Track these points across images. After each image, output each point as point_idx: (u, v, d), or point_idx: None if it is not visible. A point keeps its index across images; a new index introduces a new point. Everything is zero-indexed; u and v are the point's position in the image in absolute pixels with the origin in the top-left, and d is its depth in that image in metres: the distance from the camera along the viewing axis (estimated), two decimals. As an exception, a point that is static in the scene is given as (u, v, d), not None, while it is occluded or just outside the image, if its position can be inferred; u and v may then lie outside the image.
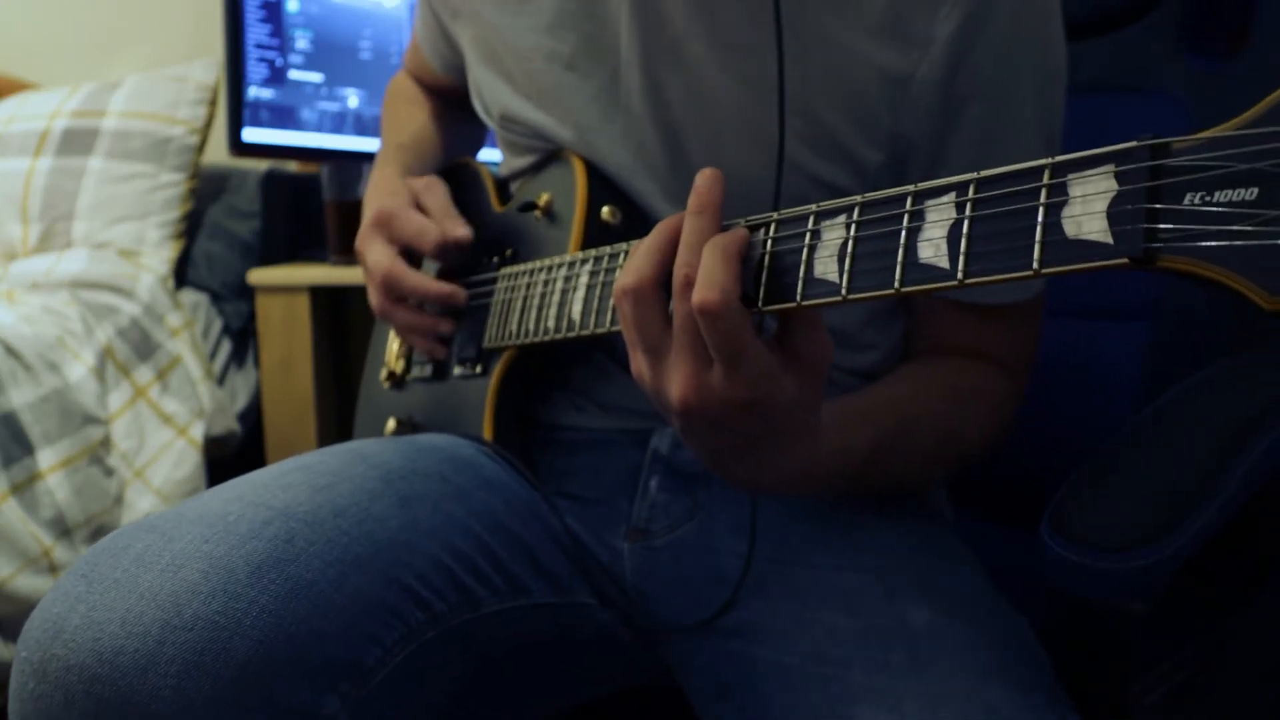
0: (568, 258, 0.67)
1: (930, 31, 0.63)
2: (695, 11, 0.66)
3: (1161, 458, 0.68)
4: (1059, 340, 0.88)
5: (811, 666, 0.62)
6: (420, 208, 0.78)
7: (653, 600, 0.70)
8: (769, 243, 0.49)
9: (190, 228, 1.72)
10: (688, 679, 0.69)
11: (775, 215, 0.49)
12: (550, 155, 0.77)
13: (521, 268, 0.73)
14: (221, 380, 1.66)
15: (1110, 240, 0.37)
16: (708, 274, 0.47)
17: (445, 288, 0.76)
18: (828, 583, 0.66)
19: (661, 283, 0.50)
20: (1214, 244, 0.34)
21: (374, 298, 0.78)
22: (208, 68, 1.72)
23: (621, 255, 0.61)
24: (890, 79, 0.64)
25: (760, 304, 0.49)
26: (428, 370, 0.82)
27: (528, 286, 0.71)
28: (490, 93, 0.79)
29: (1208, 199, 0.34)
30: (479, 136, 1.01)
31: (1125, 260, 0.36)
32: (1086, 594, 0.66)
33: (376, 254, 0.76)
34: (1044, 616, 0.71)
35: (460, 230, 0.75)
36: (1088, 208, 0.38)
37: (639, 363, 0.52)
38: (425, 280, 0.75)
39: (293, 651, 0.48)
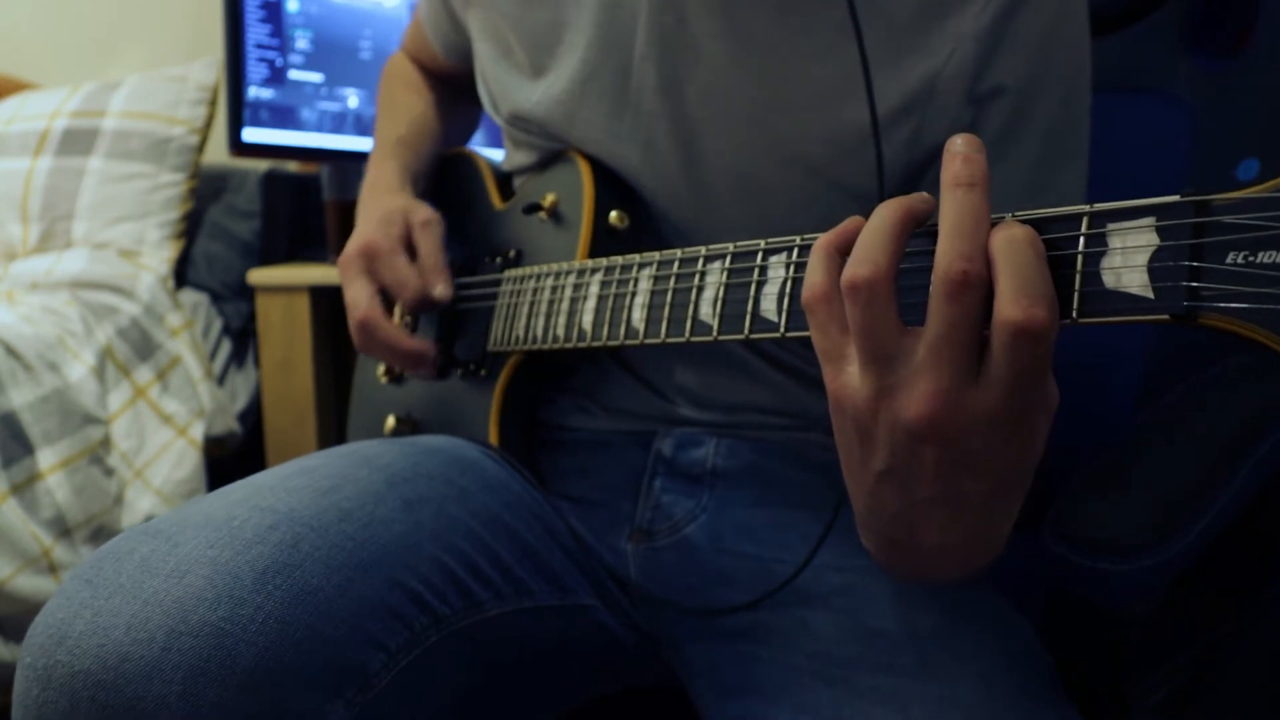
0: (577, 265, 0.67)
1: (960, 29, 0.62)
2: (715, 8, 0.66)
3: (1164, 460, 0.68)
4: (1059, 340, 0.88)
5: (817, 667, 0.62)
6: (411, 245, 0.77)
7: (657, 601, 0.70)
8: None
9: (190, 228, 1.71)
10: (691, 680, 0.69)
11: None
12: (556, 154, 0.76)
13: (527, 271, 0.73)
14: (221, 380, 1.66)
15: (1151, 295, 0.36)
16: (1027, 281, 0.37)
17: (416, 346, 0.75)
18: (833, 584, 0.66)
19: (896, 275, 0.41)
20: (1256, 306, 0.34)
21: (352, 332, 0.77)
22: (208, 68, 1.72)
23: (635, 267, 0.61)
24: (916, 78, 0.64)
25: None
26: None
27: (534, 291, 0.70)
28: (499, 87, 0.79)
29: (1251, 259, 0.34)
30: (474, 122, 1.00)
31: (1166, 316, 0.36)
32: (1088, 596, 0.66)
33: (355, 292, 0.75)
34: (1045, 617, 0.71)
35: (440, 289, 0.74)
36: (1128, 260, 0.37)
37: (850, 376, 0.42)
38: (398, 336, 0.74)
39: (298, 658, 0.48)
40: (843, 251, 0.43)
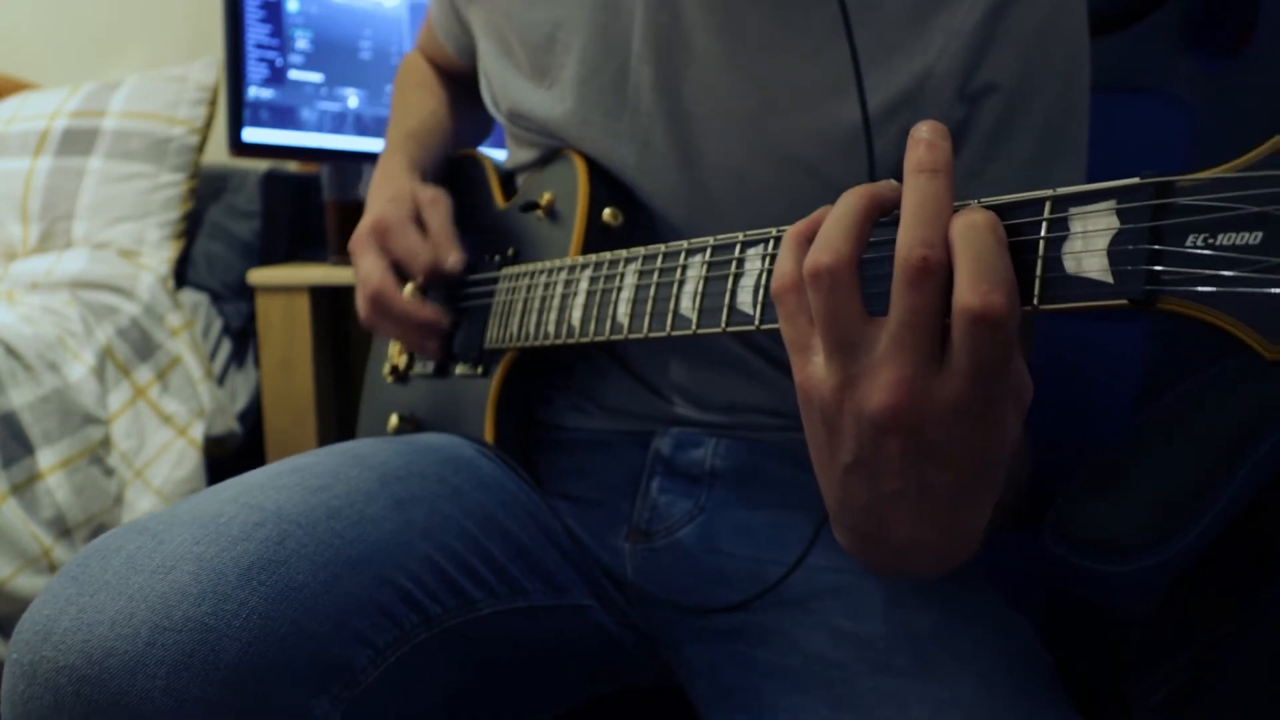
0: (568, 261, 0.67)
1: (951, 25, 0.62)
2: (711, 6, 0.65)
3: (1164, 460, 0.68)
4: (1059, 340, 0.88)
5: (816, 668, 0.62)
6: (421, 222, 0.77)
7: (654, 601, 0.70)
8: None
9: (190, 228, 1.71)
10: (689, 681, 0.68)
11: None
12: (554, 153, 0.77)
13: (522, 269, 0.73)
14: (221, 380, 1.66)
15: (1110, 280, 0.36)
16: (986, 267, 0.37)
17: (430, 314, 0.75)
18: (830, 585, 0.65)
19: (860, 262, 0.41)
20: (1215, 289, 0.33)
21: (361, 307, 0.78)
22: (208, 68, 1.72)
23: (622, 262, 0.61)
24: (908, 75, 0.63)
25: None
26: (430, 367, 0.82)
27: (528, 289, 0.71)
28: (500, 85, 0.79)
29: (1211, 241, 0.33)
30: (486, 124, 1.01)
31: (1125, 301, 0.36)
32: (1088, 596, 0.66)
33: (368, 266, 0.76)
34: (1045, 617, 0.71)
35: (453, 258, 0.75)
36: (1088, 244, 0.37)
37: (816, 367, 0.42)
38: (412, 305, 0.75)
39: (282, 653, 0.48)
40: (813, 240, 0.42)
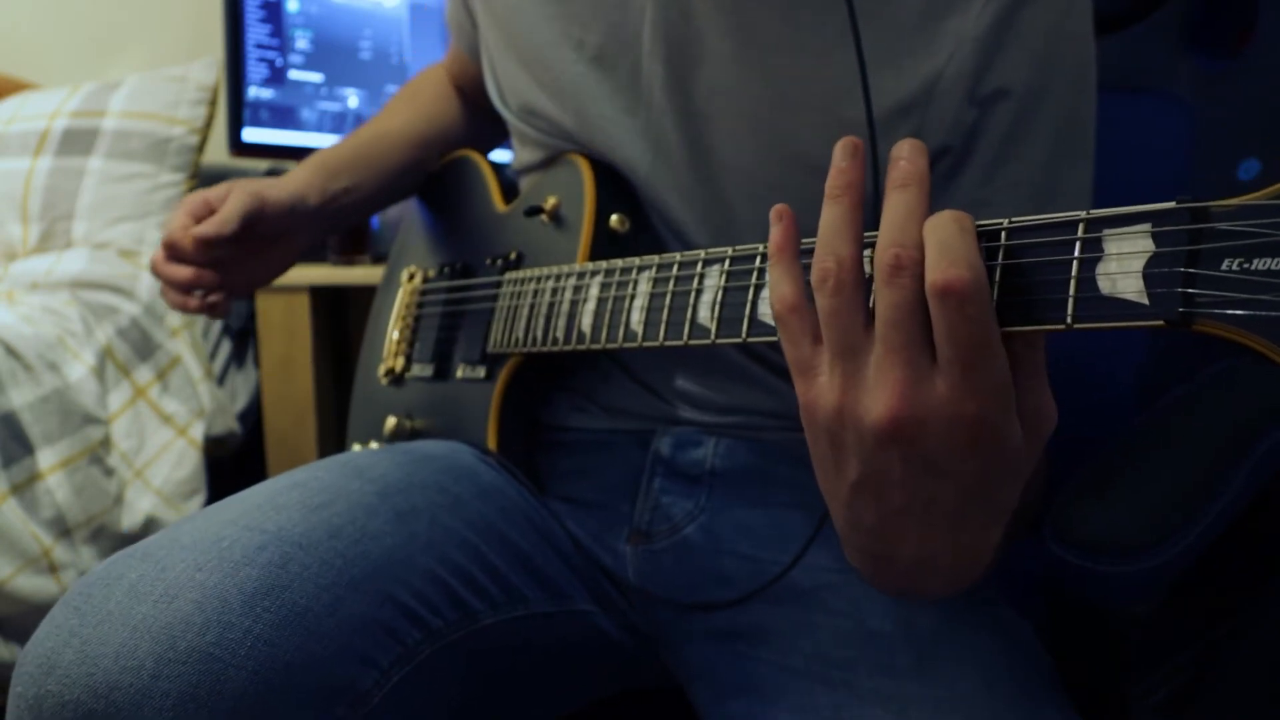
0: (577, 268, 0.67)
1: (962, 29, 0.62)
2: (722, 5, 0.65)
3: (1164, 461, 0.68)
4: (1058, 340, 0.88)
5: (816, 668, 0.62)
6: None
7: (655, 601, 0.70)
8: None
9: (190, 228, 1.71)
10: (690, 682, 0.69)
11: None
12: (559, 156, 0.76)
13: (527, 273, 0.73)
14: (221, 380, 1.66)
15: (1146, 301, 0.37)
16: (947, 249, 0.38)
17: (175, 273, 0.77)
18: (831, 584, 0.66)
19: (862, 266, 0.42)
20: (1251, 313, 0.34)
21: None
22: (208, 68, 1.72)
23: (634, 270, 0.61)
24: (918, 78, 0.63)
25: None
26: (429, 370, 0.82)
27: (535, 294, 0.70)
28: (508, 80, 0.79)
29: (1246, 266, 0.34)
30: (493, 131, 1.00)
31: (1160, 322, 0.36)
32: (1088, 597, 0.66)
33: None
34: (1045, 617, 0.71)
35: (171, 224, 0.76)
36: (1124, 266, 0.37)
37: (820, 386, 0.42)
38: (162, 265, 0.77)
39: (288, 680, 0.48)
40: (799, 255, 0.44)
